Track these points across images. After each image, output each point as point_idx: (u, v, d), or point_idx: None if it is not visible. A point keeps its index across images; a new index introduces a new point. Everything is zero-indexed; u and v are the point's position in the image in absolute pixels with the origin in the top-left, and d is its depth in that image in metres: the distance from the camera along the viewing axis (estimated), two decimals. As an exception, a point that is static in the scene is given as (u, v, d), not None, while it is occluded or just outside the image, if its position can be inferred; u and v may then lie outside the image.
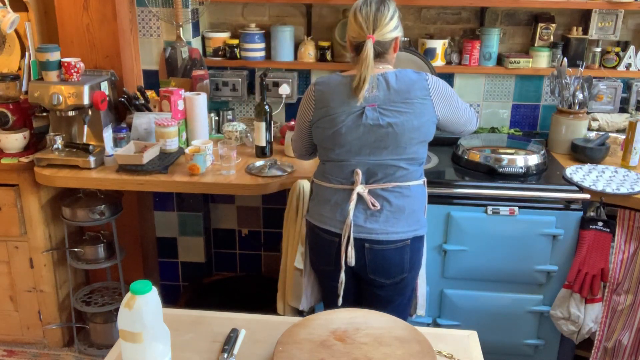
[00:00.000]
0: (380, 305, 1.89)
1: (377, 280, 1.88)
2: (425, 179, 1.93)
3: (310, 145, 1.97)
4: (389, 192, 1.82)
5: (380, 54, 1.80)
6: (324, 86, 1.84)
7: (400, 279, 1.89)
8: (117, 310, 2.07)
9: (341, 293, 1.89)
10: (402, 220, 1.82)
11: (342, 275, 1.87)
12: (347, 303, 1.94)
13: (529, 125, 2.94)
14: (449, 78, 2.88)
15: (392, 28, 1.78)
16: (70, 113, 2.44)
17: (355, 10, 1.79)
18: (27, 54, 2.68)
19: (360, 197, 1.81)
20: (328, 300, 2.05)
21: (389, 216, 1.82)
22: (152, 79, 2.80)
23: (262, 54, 2.87)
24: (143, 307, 1.11)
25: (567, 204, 2.24)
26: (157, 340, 1.16)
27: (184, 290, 3.16)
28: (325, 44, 2.83)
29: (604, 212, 2.22)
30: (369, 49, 1.73)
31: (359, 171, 1.80)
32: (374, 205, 1.80)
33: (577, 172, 2.37)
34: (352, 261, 1.83)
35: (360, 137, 1.78)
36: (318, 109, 1.83)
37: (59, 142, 2.45)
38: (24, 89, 2.63)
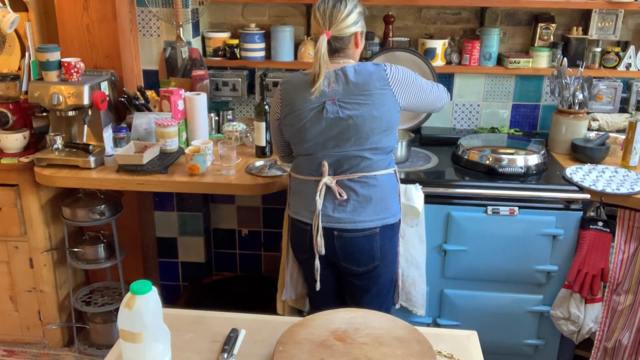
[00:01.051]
0: (358, 295, 1.99)
1: (350, 268, 1.95)
2: (395, 168, 1.97)
3: (286, 144, 2.03)
4: (355, 182, 1.87)
5: (339, 49, 1.86)
6: (289, 84, 1.91)
7: (373, 267, 1.94)
8: (117, 310, 2.07)
9: (318, 278, 1.96)
10: (368, 209, 1.87)
11: (317, 262, 1.93)
12: (328, 293, 2.04)
13: (529, 125, 2.94)
14: (449, 78, 2.88)
15: (349, 24, 1.82)
16: (70, 113, 2.44)
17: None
18: (27, 54, 2.68)
19: (328, 187, 1.87)
20: (312, 291, 2.10)
21: (356, 206, 1.87)
22: (152, 79, 2.80)
23: (262, 54, 2.87)
24: (143, 307, 1.11)
25: (567, 204, 2.24)
26: (157, 340, 1.16)
27: (184, 290, 3.16)
28: (325, 44, 2.82)
29: (604, 212, 2.22)
30: (320, 45, 1.79)
31: (326, 163, 1.86)
32: (340, 196, 1.86)
33: (577, 172, 2.37)
34: (322, 250, 1.90)
35: (324, 130, 1.84)
36: (284, 106, 1.91)
37: (59, 142, 2.45)
38: (24, 89, 2.63)
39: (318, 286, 1.97)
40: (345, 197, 1.86)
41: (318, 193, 1.85)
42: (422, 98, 1.94)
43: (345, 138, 1.83)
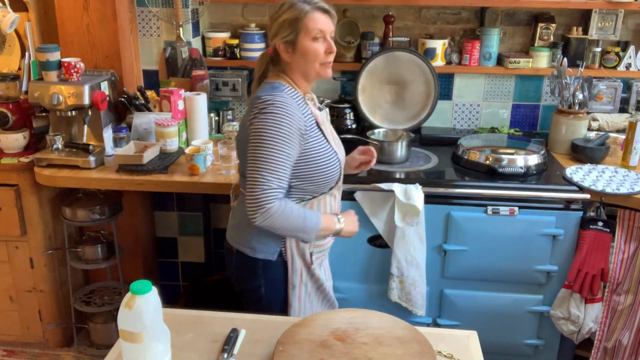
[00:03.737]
0: None
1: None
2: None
3: None
4: (242, 195, 1.79)
5: (275, 62, 1.77)
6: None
7: (239, 289, 1.85)
8: (117, 310, 2.07)
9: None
10: (231, 223, 1.87)
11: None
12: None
13: (529, 125, 2.94)
14: (449, 78, 2.88)
15: (271, 36, 1.72)
16: (70, 113, 2.44)
17: None
18: (27, 54, 2.68)
19: None
20: None
21: (231, 216, 1.90)
22: (152, 79, 2.80)
23: (262, 54, 2.87)
24: (143, 307, 1.11)
25: (567, 204, 2.24)
26: (157, 340, 1.16)
27: (184, 290, 3.16)
28: (325, 44, 2.82)
29: (604, 212, 2.22)
30: (258, 60, 1.81)
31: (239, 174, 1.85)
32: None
33: (577, 172, 2.37)
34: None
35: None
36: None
37: (59, 142, 2.45)
38: (24, 89, 2.63)
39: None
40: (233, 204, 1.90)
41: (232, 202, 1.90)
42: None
43: (241, 153, 1.76)
